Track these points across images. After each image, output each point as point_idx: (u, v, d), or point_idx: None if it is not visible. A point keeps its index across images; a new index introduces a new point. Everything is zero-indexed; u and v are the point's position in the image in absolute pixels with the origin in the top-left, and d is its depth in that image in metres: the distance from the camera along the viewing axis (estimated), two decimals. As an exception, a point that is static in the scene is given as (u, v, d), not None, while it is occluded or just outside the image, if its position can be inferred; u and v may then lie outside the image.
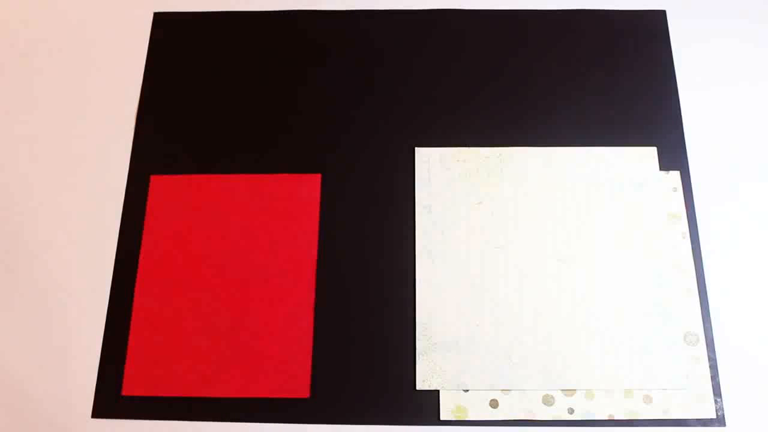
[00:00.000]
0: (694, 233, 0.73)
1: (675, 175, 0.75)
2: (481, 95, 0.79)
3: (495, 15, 0.83)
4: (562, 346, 0.68)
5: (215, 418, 0.67)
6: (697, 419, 0.66)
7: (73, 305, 0.71)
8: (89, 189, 0.76)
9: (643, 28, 0.82)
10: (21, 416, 0.68)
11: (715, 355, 0.68)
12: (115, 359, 0.69)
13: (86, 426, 0.67)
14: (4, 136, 0.79)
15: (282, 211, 0.74)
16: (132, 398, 0.68)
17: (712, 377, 0.67)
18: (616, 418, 0.66)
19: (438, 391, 0.67)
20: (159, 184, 0.76)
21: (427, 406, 0.67)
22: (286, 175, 0.76)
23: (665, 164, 0.75)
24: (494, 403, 0.67)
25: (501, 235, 0.72)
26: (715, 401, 0.67)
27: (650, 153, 0.76)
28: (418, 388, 0.67)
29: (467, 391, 0.67)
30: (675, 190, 0.74)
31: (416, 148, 0.77)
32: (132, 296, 0.71)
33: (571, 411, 0.66)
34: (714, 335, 0.69)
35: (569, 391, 0.67)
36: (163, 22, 0.84)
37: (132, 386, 0.68)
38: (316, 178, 0.76)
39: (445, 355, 0.68)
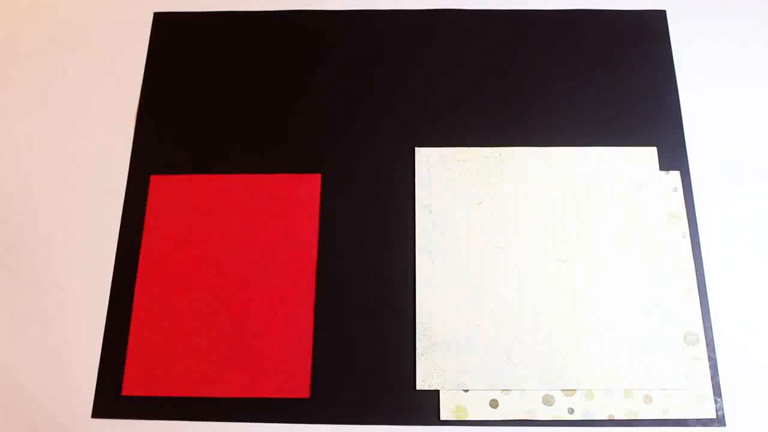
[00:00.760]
0: (694, 233, 0.73)
1: (675, 175, 0.75)
2: (481, 95, 0.79)
3: (495, 15, 0.83)
4: (562, 346, 0.68)
5: (215, 418, 0.67)
6: (697, 419, 0.66)
7: (73, 305, 0.71)
8: (89, 189, 0.76)
9: (643, 28, 0.82)
10: (21, 416, 0.68)
11: (715, 355, 0.68)
12: (115, 359, 0.69)
13: (86, 426, 0.67)
14: (4, 136, 0.79)
15: (282, 211, 0.74)
16: (132, 398, 0.68)
17: (712, 377, 0.67)
18: (616, 418, 0.66)
19: (438, 391, 0.67)
20: (159, 184, 0.76)
21: (427, 406, 0.67)
22: (286, 175, 0.76)
23: (665, 164, 0.75)
24: (494, 403, 0.67)
25: (501, 235, 0.72)
26: (715, 401, 0.67)
27: (650, 153, 0.76)
28: (418, 388, 0.67)
29: (467, 391, 0.67)
30: (675, 190, 0.74)
31: (416, 148, 0.77)
32: (132, 296, 0.71)
33: (571, 411, 0.66)
34: (714, 335, 0.69)
35: (569, 391, 0.67)
36: (163, 22, 0.84)
37: (132, 386, 0.68)
38: (316, 178, 0.76)
39: (445, 355, 0.68)
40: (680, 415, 0.66)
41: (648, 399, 0.67)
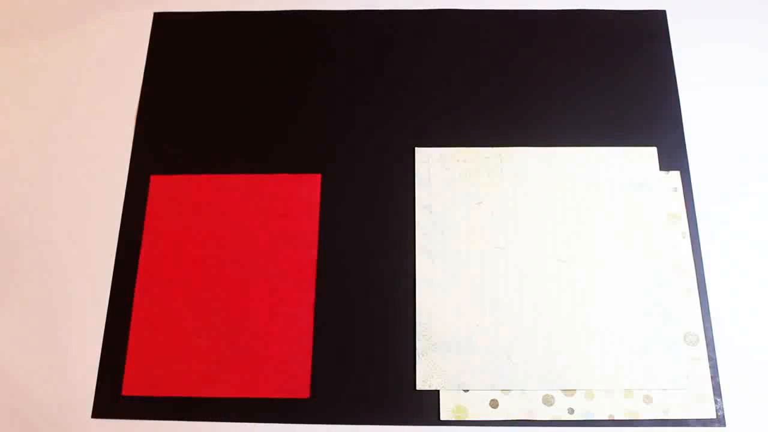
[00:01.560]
0: (694, 233, 0.73)
1: (675, 175, 0.75)
2: (481, 95, 0.79)
3: (495, 15, 0.83)
4: (562, 346, 0.68)
5: (215, 418, 0.67)
6: (697, 419, 0.66)
7: (73, 305, 0.71)
8: (89, 189, 0.76)
9: (643, 28, 0.82)
10: (21, 416, 0.68)
11: (715, 355, 0.68)
12: (115, 359, 0.69)
13: (86, 426, 0.67)
14: (4, 136, 0.79)
15: (282, 211, 0.74)
16: (132, 398, 0.68)
17: (712, 377, 0.67)
18: (616, 418, 0.66)
19: (438, 391, 0.67)
20: (159, 184, 0.76)
21: (427, 406, 0.67)
22: (286, 175, 0.76)
23: (665, 164, 0.75)
24: (494, 403, 0.67)
25: (501, 235, 0.72)
26: (715, 401, 0.67)
27: (650, 153, 0.76)
28: (418, 388, 0.67)
29: (467, 391, 0.67)
30: (675, 190, 0.74)
31: (416, 148, 0.77)
32: (132, 296, 0.71)
33: (571, 411, 0.66)
34: (714, 335, 0.69)
35: (569, 391, 0.67)
36: (163, 22, 0.84)
37: (132, 386, 0.68)
38: (316, 178, 0.76)
39: (445, 355, 0.68)
40: (680, 415, 0.66)
41: (648, 399, 0.67)
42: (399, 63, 0.81)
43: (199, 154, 0.77)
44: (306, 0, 0.85)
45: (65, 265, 0.73)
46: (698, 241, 0.72)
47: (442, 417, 0.66)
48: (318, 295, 0.71)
